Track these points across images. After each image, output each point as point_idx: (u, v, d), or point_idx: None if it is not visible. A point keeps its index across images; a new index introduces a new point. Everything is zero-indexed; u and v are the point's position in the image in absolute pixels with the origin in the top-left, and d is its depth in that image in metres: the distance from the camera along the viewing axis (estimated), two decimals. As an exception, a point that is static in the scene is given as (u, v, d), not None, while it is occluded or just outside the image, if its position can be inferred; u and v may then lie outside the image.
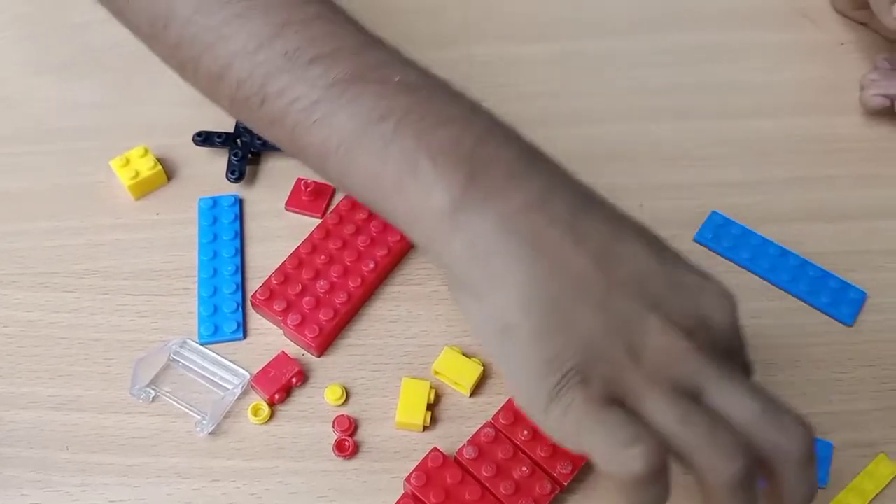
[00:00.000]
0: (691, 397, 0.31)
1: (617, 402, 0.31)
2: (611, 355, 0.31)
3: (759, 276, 0.48)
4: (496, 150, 0.34)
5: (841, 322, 0.46)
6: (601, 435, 0.31)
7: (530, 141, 0.36)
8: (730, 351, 0.33)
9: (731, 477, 0.30)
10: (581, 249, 0.32)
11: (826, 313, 0.47)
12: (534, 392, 0.32)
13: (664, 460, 0.30)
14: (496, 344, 0.33)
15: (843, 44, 0.58)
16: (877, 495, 0.41)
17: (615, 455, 0.30)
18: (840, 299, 0.47)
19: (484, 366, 0.44)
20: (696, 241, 0.49)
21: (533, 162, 0.34)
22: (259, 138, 0.51)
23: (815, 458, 0.32)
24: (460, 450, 0.41)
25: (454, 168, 0.33)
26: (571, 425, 0.31)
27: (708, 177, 0.52)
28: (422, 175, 0.33)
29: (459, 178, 0.33)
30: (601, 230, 0.33)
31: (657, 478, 0.30)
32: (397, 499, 0.40)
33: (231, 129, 0.51)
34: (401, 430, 0.43)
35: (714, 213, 0.50)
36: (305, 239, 0.47)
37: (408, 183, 0.34)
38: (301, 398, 0.44)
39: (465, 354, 0.44)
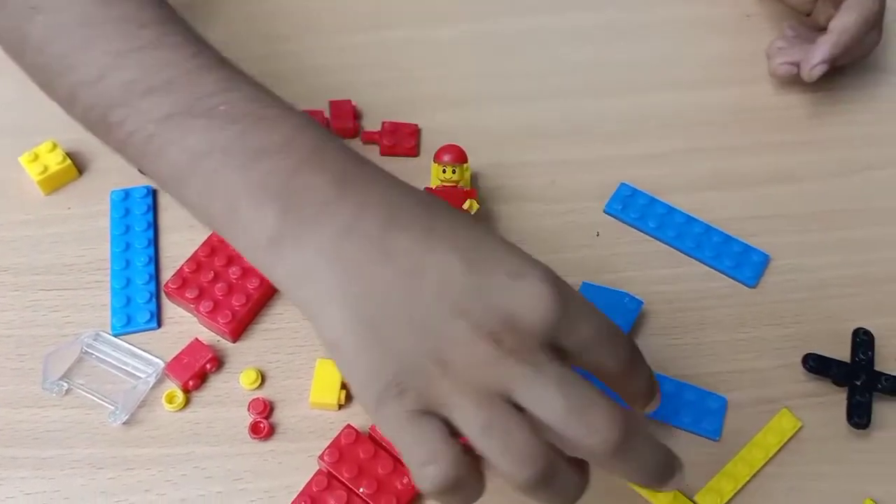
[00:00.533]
0: (504, 400, 0.32)
1: (431, 414, 0.32)
2: (422, 367, 0.32)
3: (666, 244, 0.49)
4: (310, 179, 0.35)
5: (744, 284, 0.48)
6: (405, 448, 0.32)
7: (352, 156, 0.36)
8: (553, 341, 0.33)
9: (525, 482, 0.32)
10: (390, 268, 0.33)
11: (730, 276, 0.48)
12: (365, 402, 0.33)
13: (460, 475, 0.32)
14: (332, 357, 0.34)
15: (749, 16, 0.60)
16: (780, 449, 0.43)
17: (413, 471, 0.32)
18: (743, 262, 0.48)
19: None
20: (606, 212, 0.51)
21: (345, 185, 0.35)
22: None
23: (633, 447, 0.33)
24: (373, 425, 0.41)
25: (269, 203, 0.34)
26: (390, 437, 0.33)
27: (618, 150, 0.53)
28: (241, 212, 0.35)
29: (274, 213, 0.34)
30: (410, 245, 0.34)
31: (454, 492, 0.32)
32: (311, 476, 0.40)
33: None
34: (316, 410, 0.43)
35: (623, 184, 0.51)
36: (218, 226, 0.47)
37: (231, 219, 0.35)
38: (217, 384, 0.44)
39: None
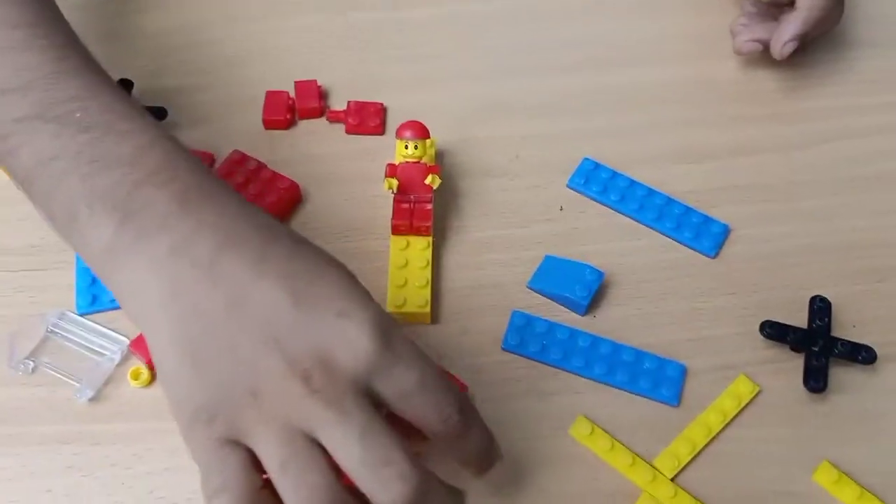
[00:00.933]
0: (306, 440, 0.32)
1: (237, 443, 0.33)
2: (234, 397, 0.33)
3: (628, 216, 0.50)
4: (153, 193, 0.35)
5: (704, 254, 0.49)
6: (206, 474, 0.33)
7: (199, 177, 0.37)
8: (368, 386, 0.33)
9: None
10: (217, 292, 0.34)
11: (690, 247, 0.49)
12: (178, 421, 0.34)
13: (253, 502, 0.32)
14: (157, 370, 0.35)
15: (711, -8, 0.61)
16: (738, 413, 0.43)
17: (209, 499, 0.32)
18: (703, 233, 0.49)
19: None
20: (569, 186, 0.51)
21: (187, 202, 0.35)
22: (136, 111, 0.51)
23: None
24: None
25: (108, 214, 0.35)
26: (197, 460, 0.33)
27: (581, 125, 0.54)
28: (80, 221, 0.35)
29: (112, 225, 0.35)
30: (239, 273, 0.34)
31: None
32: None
33: (107, 103, 0.51)
34: (282, 384, 0.44)
35: (586, 159, 0.52)
36: (182, 205, 0.48)
37: (71, 225, 0.36)
38: (182, 360, 0.44)
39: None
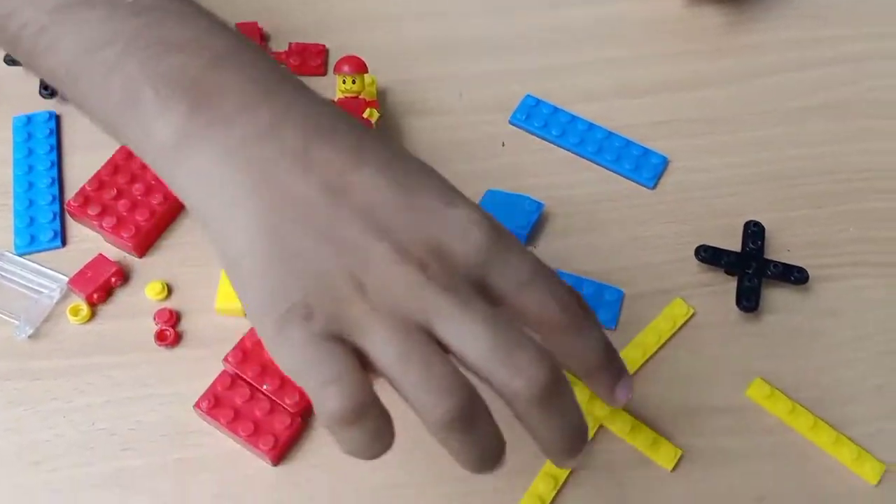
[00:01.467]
0: (422, 331, 0.30)
1: (340, 339, 0.30)
2: (336, 288, 0.30)
3: (569, 150, 0.50)
4: (226, 77, 0.32)
5: (644, 185, 0.49)
6: (309, 371, 0.29)
7: (272, 64, 0.34)
8: (491, 271, 0.31)
9: (444, 416, 0.29)
10: (310, 179, 0.31)
11: (630, 178, 0.49)
12: (262, 325, 0.30)
13: (366, 401, 0.29)
14: (230, 275, 0.31)
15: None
16: (674, 335, 0.44)
17: (314, 393, 0.29)
18: (642, 165, 0.50)
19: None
20: (511, 122, 0.51)
21: (267, 89, 0.32)
22: (74, 54, 0.50)
23: (557, 401, 0.30)
24: (277, 327, 0.42)
25: (178, 98, 0.31)
26: (291, 360, 0.30)
27: (524, 63, 0.54)
28: (144, 106, 0.32)
29: (182, 109, 0.31)
30: (335, 159, 0.31)
31: (355, 420, 0.29)
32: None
33: (45, 48, 0.51)
34: (224, 318, 0.44)
35: (528, 95, 0.52)
36: (120, 147, 0.47)
37: (131, 115, 0.32)
38: (123, 297, 0.44)
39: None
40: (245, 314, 0.32)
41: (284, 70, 0.34)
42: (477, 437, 0.30)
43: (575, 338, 0.33)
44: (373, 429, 0.30)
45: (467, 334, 0.30)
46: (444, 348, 0.30)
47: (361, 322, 0.30)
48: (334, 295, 0.30)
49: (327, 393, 0.29)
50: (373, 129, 0.34)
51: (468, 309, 0.30)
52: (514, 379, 0.29)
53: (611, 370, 0.35)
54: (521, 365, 0.29)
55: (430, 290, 0.30)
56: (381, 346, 0.29)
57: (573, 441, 0.32)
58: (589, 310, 0.34)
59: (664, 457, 0.40)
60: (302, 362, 0.29)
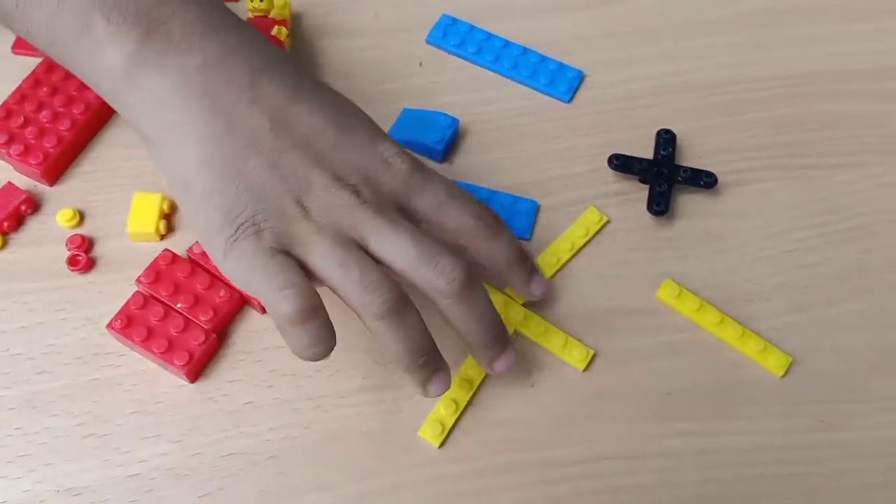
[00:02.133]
0: (357, 246, 0.35)
1: (286, 253, 0.34)
2: (281, 209, 0.34)
3: (485, 67, 0.50)
4: (175, 10, 0.34)
5: (559, 99, 0.50)
6: (262, 280, 0.33)
7: (220, 3, 0.36)
8: (416, 200, 0.37)
9: (380, 309, 0.34)
10: (257, 109, 0.34)
11: (546, 93, 0.50)
12: (213, 242, 0.34)
13: (312, 304, 0.34)
14: (180, 198, 0.35)
15: None
16: (588, 242, 0.45)
17: (270, 298, 0.33)
18: (558, 79, 0.50)
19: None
20: (427, 41, 0.51)
21: (215, 22, 0.35)
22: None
23: (475, 294, 0.36)
24: (190, 247, 0.42)
25: (129, 26, 0.34)
26: (243, 273, 0.34)
27: (440, -17, 0.54)
28: (95, 33, 0.34)
29: (133, 36, 0.34)
30: (277, 94, 0.35)
31: (305, 319, 0.34)
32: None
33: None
34: (138, 242, 0.44)
35: (444, 15, 0.52)
36: (28, 75, 0.46)
37: (83, 41, 0.34)
38: (34, 225, 0.44)
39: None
40: (194, 233, 0.37)
41: (228, 9, 0.37)
42: (407, 329, 0.35)
43: (490, 241, 0.39)
44: (319, 330, 0.34)
45: (396, 246, 0.35)
46: (375, 261, 0.35)
47: (306, 238, 0.34)
48: (281, 214, 0.34)
49: (281, 297, 0.33)
50: (306, 70, 0.38)
51: (396, 226, 0.35)
52: (437, 279, 0.35)
53: (524, 266, 0.41)
54: (442, 267, 0.35)
55: (364, 211, 0.35)
56: (324, 257, 0.34)
57: (494, 333, 0.38)
58: (500, 219, 0.40)
59: (576, 358, 0.41)
60: (255, 273, 0.34)
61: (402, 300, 0.35)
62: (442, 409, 0.40)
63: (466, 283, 0.36)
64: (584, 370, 0.41)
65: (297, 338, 0.34)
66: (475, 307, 0.37)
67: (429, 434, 0.39)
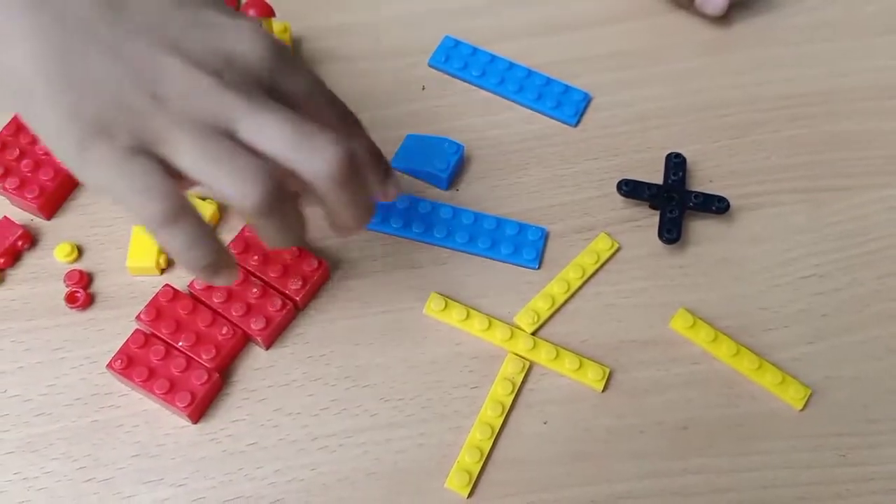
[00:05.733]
0: (224, 136, 0.31)
1: (147, 153, 0.31)
2: (132, 104, 0.31)
3: (490, 91, 0.49)
4: None
5: (566, 123, 0.49)
6: (121, 185, 0.30)
7: None
8: (283, 87, 0.33)
9: (258, 200, 0.31)
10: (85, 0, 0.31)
11: (552, 117, 0.49)
12: (64, 149, 0.31)
13: (179, 202, 0.31)
14: (18, 107, 0.32)
15: None
16: (598, 270, 0.44)
17: (134, 202, 0.31)
18: (564, 102, 0.49)
19: (218, 206, 0.44)
20: (430, 65, 0.50)
21: None
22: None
23: (356, 177, 0.33)
24: (191, 283, 0.41)
25: None
26: (101, 179, 0.31)
27: (442, 4, 0.53)
28: None
29: None
30: None
31: (175, 219, 0.31)
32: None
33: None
34: (138, 277, 0.43)
35: (447, 37, 0.51)
36: (23, 105, 0.45)
37: None
38: (31, 261, 0.43)
39: (200, 197, 0.44)
40: (43, 142, 0.32)
41: None
42: (288, 217, 0.33)
43: (351, 139, 0.35)
44: (193, 230, 0.31)
45: (269, 129, 0.32)
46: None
47: (164, 133, 0.31)
48: (133, 110, 0.31)
49: (142, 200, 0.30)
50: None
51: (266, 108, 0.32)
52: (316, 160, 0.32)
53: (382, 165, 0.38)
54: (321, 147, 0.32)
55: (229, 95, 0.32)
56: (188, 152, 0.31)
57: (365, 213, 0.36)
58: (359, 120, 0.37)
59: (593, 378, 0.40)
60: (111, 177, 0.31)
61: (281, 188, 0.32)
62: (467, 457, 0.38)
63: (346, 163, 0.33)
64: (603, 391, 0.40)
65: (171, 243, 0.31)
66: (353, 189, 0.34)
67: (456, 485, 0.38)
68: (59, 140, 0.31)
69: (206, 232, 0.32)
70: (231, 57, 0.32)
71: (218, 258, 0.32)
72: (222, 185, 0.31)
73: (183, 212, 0.31)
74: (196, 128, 0.31)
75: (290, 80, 0.33)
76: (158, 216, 0.30)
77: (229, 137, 0.31)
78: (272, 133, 0.32)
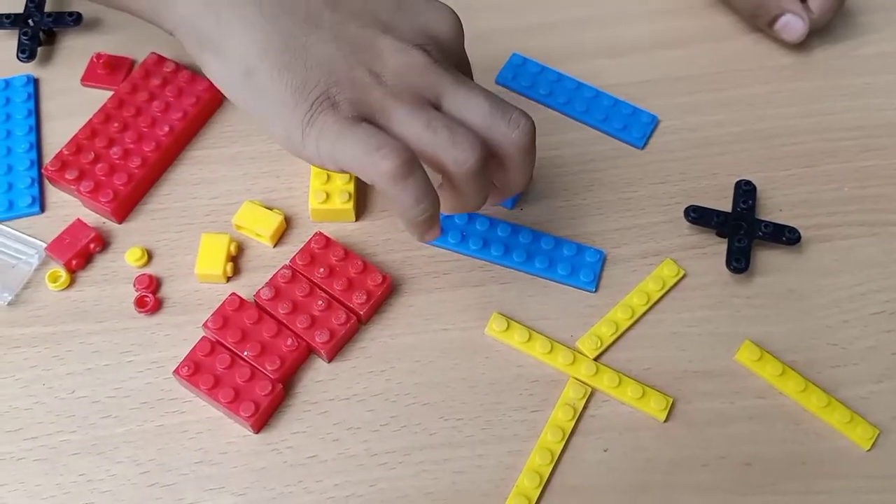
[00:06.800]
0: (432, 106, 0.36)
1: (366, 120, 0.35)
2: (354, 79, 0.35)
3: (557, 110, 0.49)
4: None
5: (633, 145, 0.48)
6: (353, 147, 0.34)
7: None
8: (459, 61, 0.39)
9: (472, 165, 0.35)
10: None
11: (619, 139, 0.48)
12: (288, 125, 0.35)
13: (411, 158, 0.34)
14: (244, 90, 0.36)
15: None
16: (663, 296, 0.43)
17: (367, 160, 0.34)
18: (631, 124, 0.48)
19: (285, 216, 0.45)
20: (497, 83, 0.50)
21: None
22: (49, 16, 0.49)
23: (535, 145, 0.38)
24: (258, 292, 0.42)
25: None
26: (327, 147, 0.35)
27: (510, 22, 0.53)
28: None
29: None
30: None
31: (409, 173, 0.34)
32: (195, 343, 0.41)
33: (20, 10, 0.50)
34: (205, 284, 0.43)
35: (514, 54, 0.51)
36: (98, 110, 0.46)
37: None
38: (103, 263, 0.44)
39: (266, 207, 0.45)
40: (264, 125, 0.37)
41: None
42: (485, 181, 0.37)
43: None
44: (422, 185, 0.35)
45: (471, 102, 0.36)
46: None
47: (384, 104, 0.35)
48: (355, 83, 0.35)
49: (378, 156, 0.34)
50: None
51: (467, 83, 0.37)
52: (513, 130, 0.37)
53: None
54: (516, 119, 0.37)
55: (439, 70, 0.36)
56: (408, 121, 0.35)
57: (531, 177, 0.40)
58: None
59: (655, 408, 0.40)
60: (342, 143, 0.34)
61: (488, 156, 0.36)
62: (526, 481, 0.38)
63: (533, 134, 0.37)
64: (665, 421, 0.40)
65: (403, 196, 0.35)
66: (531, 159, 0.38)
67: (514, 509, 0.38)
68: (282, 117, 0.35)
69: (430, 187, 0.36)
70: (434, 35, 0.37)
71: (437, 213, 0.36)
72: (441, 150, 0.35)
73: (414, 166, 0.35)
74: (411, 99, 0.35)
75: (463, 50, 0.39)
76: (393, 171, 0.34)
77: (437, 108, 0.36)
78: (476, 106, 0.36)
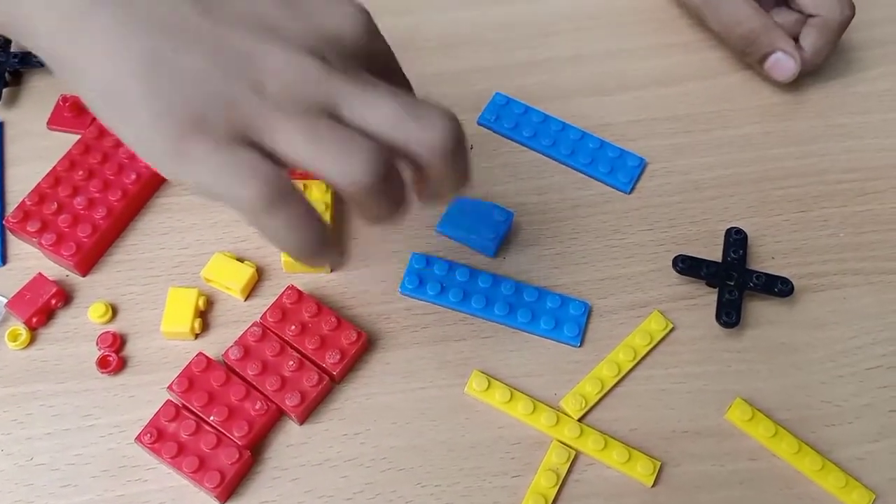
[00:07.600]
0: (329, 117, 0.30)
1: (247, 142, 0.30)
2: (231, 96, 0.30)
3: (541, 153, 0.48)
4: None
5: (619, 190, 0.46)
6: (216, 174, 0.29)
7: None
8: (373, 64, 0.33)
9: (362, 180, 0.30)
10: (182, 1, 0.31)
11: (605, 183, 0.47)
12: (161, 153, 0.30)
13: (281, 184, 0.29)
14: (110, 114, 0.31)
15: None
16: (650, 351, 0.42)
17: (227, 188, 0.29)
18: (618, 168, 0.47)
19: (257, 268, 0.43)
20: (479, 123, 0.49)
21: None
22: (16, 57, 0.48)
23: (463, 146, 0.32)
24: (226, 352, 0.40)
25: None
26: (203, 173, 0.30)
27: (494, 60, 0.51)
28: None
29: None
30: None
31: (276, 202, 0.29)
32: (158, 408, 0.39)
33: (-16, 51, 0.48)
34: (172, 341, 0.41)
35: (497, 94, 0.49)
36: (63, 156, 0.44)
37: None
38: (65, 319, 0.42)
39: (237, 258, 0.43)
40: (134, 149, 0.31)
41: None
42: (396, 191, 0.32)
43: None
44: (299, 214, 0.30)
45: (378, 107, 0.31)
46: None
47: (264, 121, 0.30)
48: (230, 101, 0.30)
49: (242, 185, 0.29)
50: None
51: (371, 86, 0.31)
52: (428, 132, 0.31)
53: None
54: (432, 121, 0.31)
55: (336, 78, 0.31)
56: (292, 137, 0.30)
57: (466, 179, 0.34)
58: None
59: (642, 473, 0.38)
60: (210, 170, 0.29)
61: (389, 166, 0.31)
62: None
63: (457, 138, 0.32)
64: (653, 486, 0.38)
65: (273, 227, 0.30)
66: (461, 161, 0.33)
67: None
68: (152, 140, 0.30)
69: (314, 216, 0.31)
70: (333, 37, 0.32)
71: (324, 240, 0.31)
72: (328, 168, 0.30)
73: (288, 194, 0.30)
74: (297, 112, 0.30)
75: (379, 50, 0.33)
76: (261, 199, 0.29)
77: (334, 119, 0.30)
78: (381, 110, 0.31)
